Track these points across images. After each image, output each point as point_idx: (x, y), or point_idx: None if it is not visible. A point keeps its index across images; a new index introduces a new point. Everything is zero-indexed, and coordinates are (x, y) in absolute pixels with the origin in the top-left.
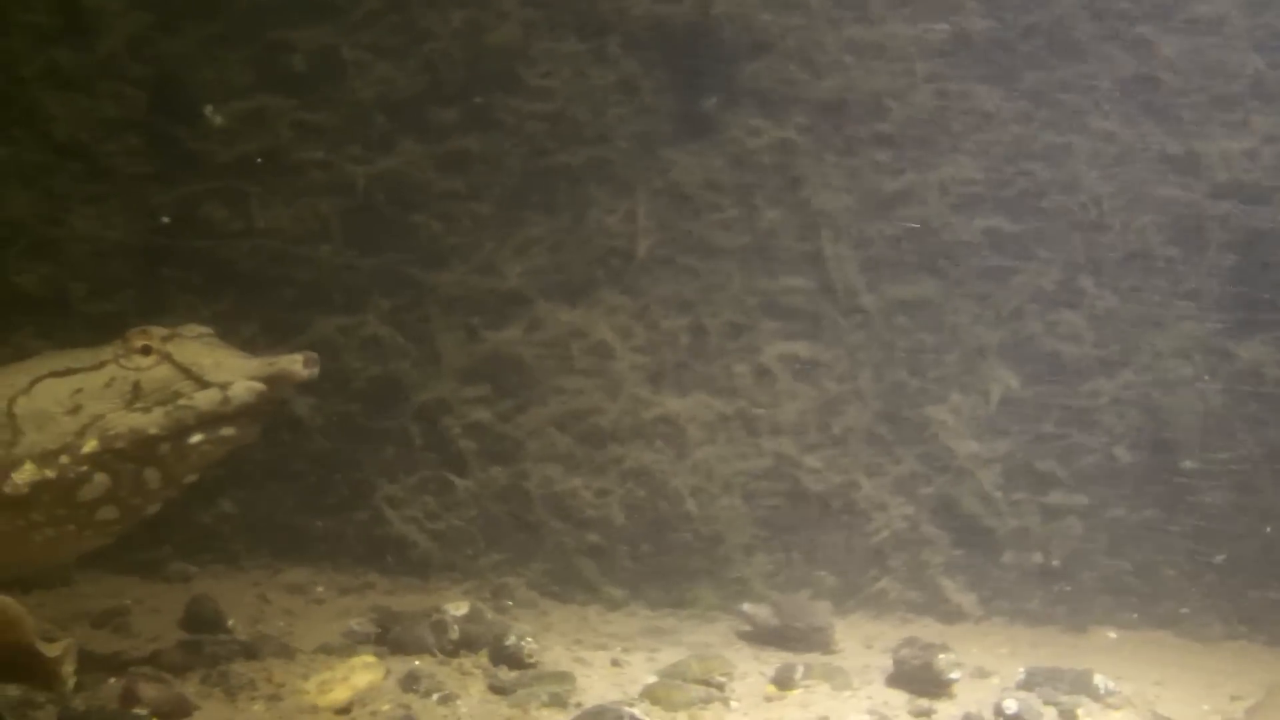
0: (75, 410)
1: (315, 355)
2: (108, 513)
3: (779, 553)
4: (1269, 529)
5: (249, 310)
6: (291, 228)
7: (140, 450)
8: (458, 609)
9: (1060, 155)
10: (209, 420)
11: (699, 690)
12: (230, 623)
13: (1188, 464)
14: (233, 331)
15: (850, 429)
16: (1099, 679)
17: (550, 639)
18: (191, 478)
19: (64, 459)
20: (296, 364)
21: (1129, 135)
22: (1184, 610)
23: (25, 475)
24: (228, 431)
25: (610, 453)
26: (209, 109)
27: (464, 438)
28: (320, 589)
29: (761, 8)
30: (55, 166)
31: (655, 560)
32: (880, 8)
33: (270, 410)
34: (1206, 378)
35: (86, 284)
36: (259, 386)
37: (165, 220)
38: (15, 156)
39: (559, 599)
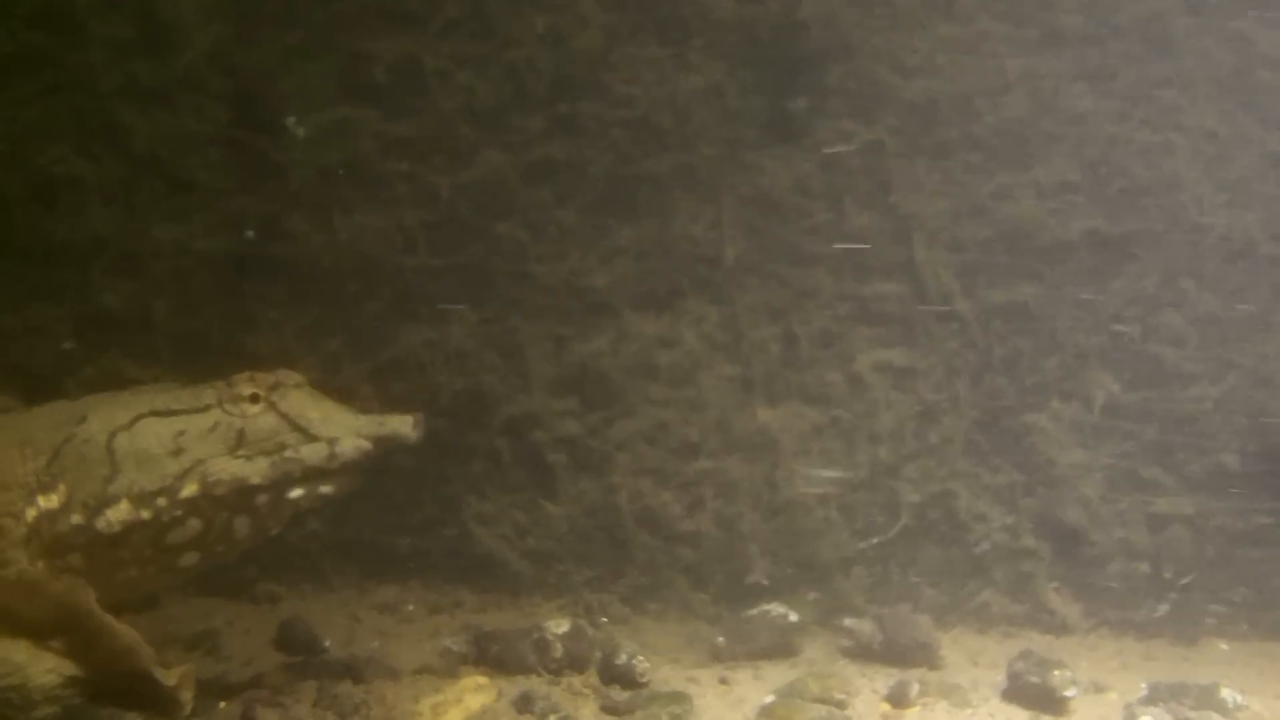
0: (177, 453)
1: (423, 416)
2: (189, 559)
3: (877, 566)
4: None
5: (333, 324)
6: (375, 240)
7: (239, 499)
8: (559, 626)
9: (1159, 154)
10: (312, 475)
11: (820, 710)
12: (327, 644)
13: None
14: (318, 346)
15: (947, 438)
16: (1226, 692)
17: (651, 656)
18: (276, 530)
19: (161, 501)
20: (407, 425)
21: (1228, 132)
22: None
23: (120, 514)
24: (327, 488)
25: (701, 465)
26: (291, 121)
27: (553, 451)
28: (410, 607)
29: (848, 8)
30: (136, 181)
31: (750, 574)
32: (970, 6)
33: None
34: None
35: (170, 300)
36: (366, 445)
37: (249, 234)
38: (96, 172)
39: (652, 615)
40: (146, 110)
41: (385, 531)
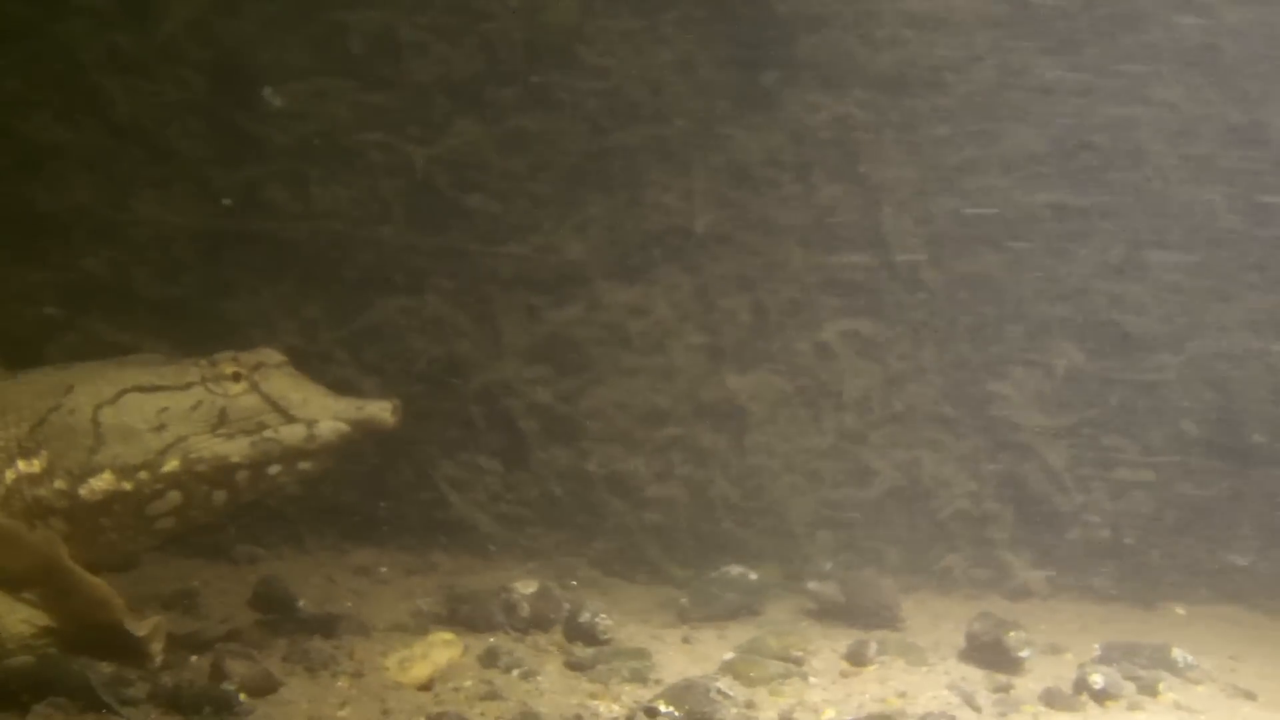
0: (160, 429)
1: (400, 403)
2: (166, 523)
3: (844, 531)
4: None
5: (311, 292)
6: (352, 210)
7: (219, 475)
8: (526, 587)
9: (1123, 127)
10: (290, 455)
11: (778, 665)
12: (301, 603)
13: (1257, 438)
14: (295, 313)
15: (913, 406)
16: (1177, 653)
17: (620, 617)
18: (253, 500)
19: (143, 474)
20: (385, 412)
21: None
22: (1254, 585)
23: (103, 483)
24: (304, 466)
25: (670, 432)
26: (268, 91)
27: (525, 418)
28: (385, 570)
29: None
30: (117, 151)
31: (717, 539)
32: None
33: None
34: (1275, 349)
35: (150, 268)
36: (344, 428)
37: (226, 203)
38: (77, 141)
39: (622, 577)
40: (127, 80)
41: (362, 496)
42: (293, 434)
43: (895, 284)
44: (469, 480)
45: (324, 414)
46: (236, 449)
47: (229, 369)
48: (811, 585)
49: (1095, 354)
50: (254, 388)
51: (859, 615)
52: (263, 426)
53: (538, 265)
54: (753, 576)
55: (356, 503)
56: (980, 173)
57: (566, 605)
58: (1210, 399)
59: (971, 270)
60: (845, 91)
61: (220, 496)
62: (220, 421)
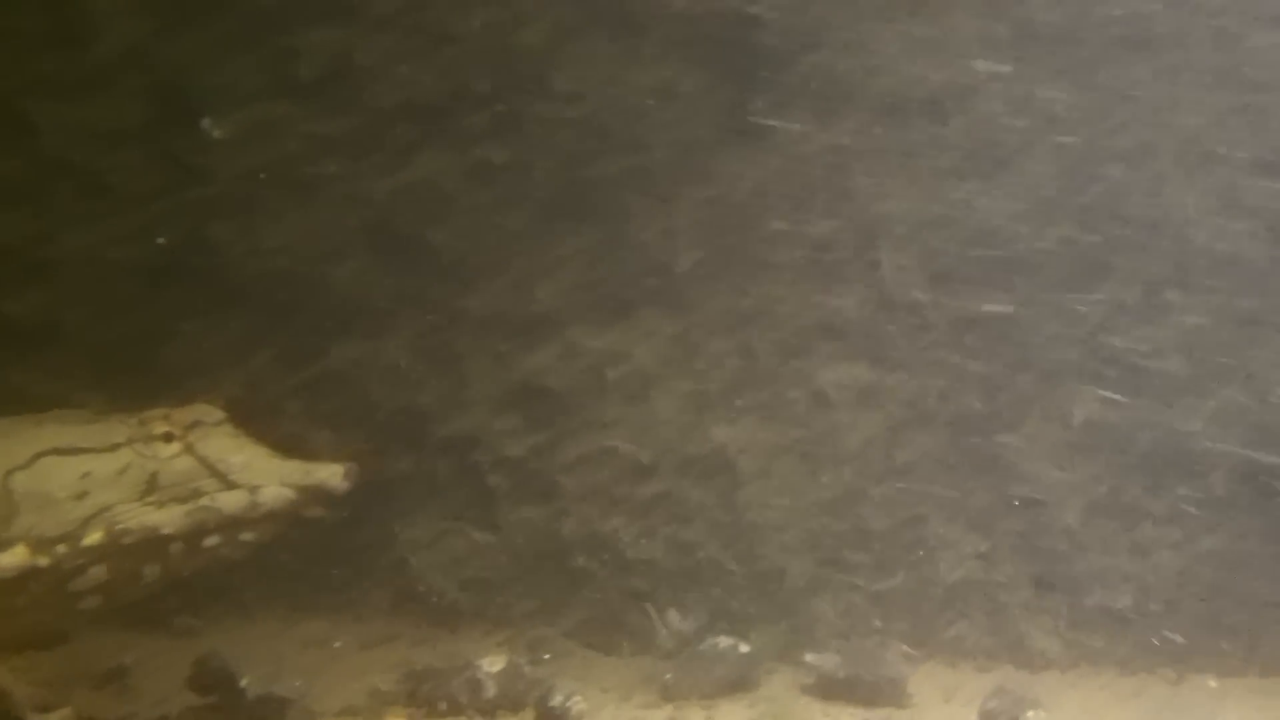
0: (82, 496)
1: (356, 466)
2: (92, 601)
3: (845, 597)
4: None
5: (259, 338)
6: (305, 247)
7: (149, 548)
8: (493, 664)
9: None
10: (230, 524)
11: None
12: (243, 682)
13: None
14: (242, 361)
15: (917, 458)
16: None
17: (597, 695)
18: (189, 572)
19: (61, 548)
20: (336, 477)
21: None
22: None
23: (16, 559)
24: (247, 537)
25: (654, 488)
26: (208, 122)
27: (494, 474)
28: (339, 643)
29: (808, 4)
30: (44, 183)
31: (706, 606)
32: (938, 0)
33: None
34: None
35: (80, 311)
36: (290, 495)
37: (162, 241)
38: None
39: (600, 650)
40: (55, 107)
41: (315, 561)
42: (232, 501)
43: (896, 326)
44: (433, 543)
45: (268, 478)
46: (169, 519)
47: (160, 428)
48: (810, 657)
49: (1114, 402)
50: (189, 449)
51: (862, 690)
52: (199, 493)
53: (508, 307)
54: (744, 648)
55: (309, 568)
56: (985, 206)
57: (538, 684)
58: (1240, 451)
59: (978, 311)
60: (839, 120)
61: (152, 571)
62: (150, 488)
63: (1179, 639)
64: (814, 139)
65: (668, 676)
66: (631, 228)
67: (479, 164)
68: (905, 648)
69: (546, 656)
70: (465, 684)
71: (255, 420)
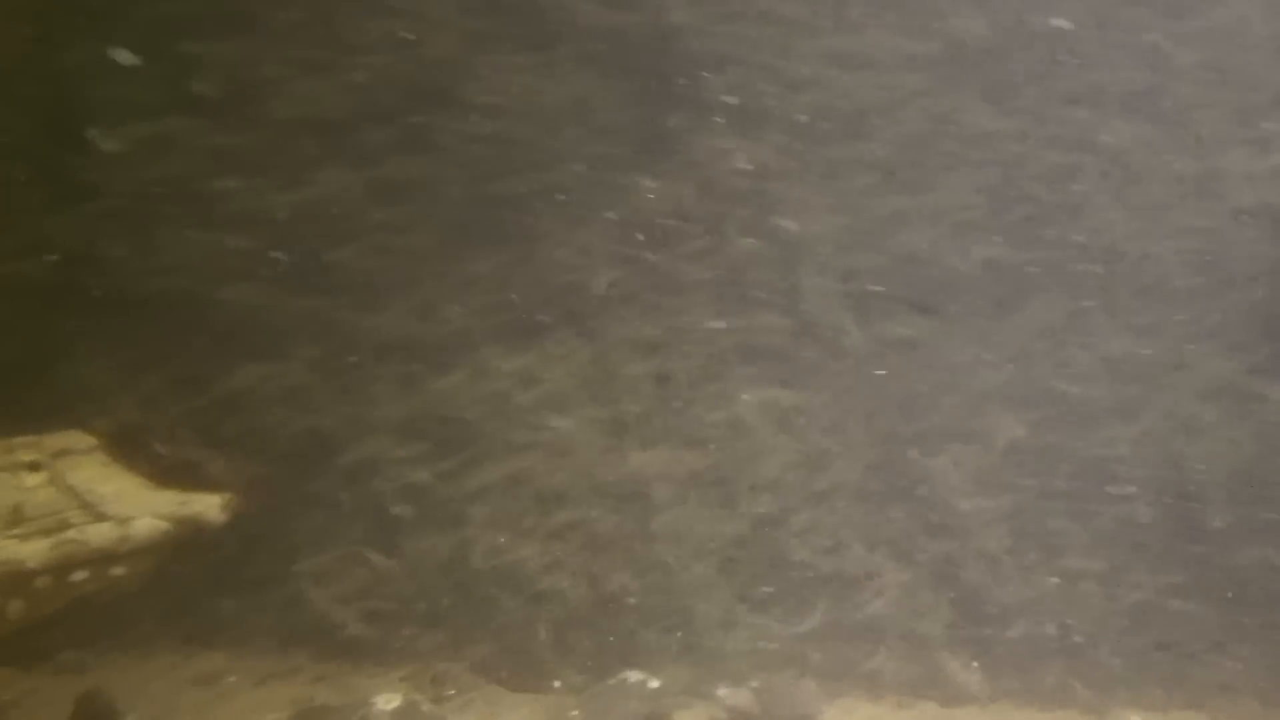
0: None
1: (236, 497)
2: None
3: (759, 629)
4: None
5: (154, 359)
6: (203, 266)
7: (12, 583)
8: (389, 702)
9: (1065, 177)
10: (99, 559)
11: None
12: None
13: (1217, 522)
14: (134, 383)
15: (837, 485)
16: None
17: None
18: (57, 608)
19: None
20: (215, 508)
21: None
22: (1218, 689)
23: None
24: (118, 571)
25: (565, 517)
26: (99, 132)
27: (398, 502)
28: (234, 678)
29: (727, 17)
30: None
31: (618, 638)
32: (862, 15)
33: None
34: (1236, 422)
35: None
36: (164, 527)
37: (51, 259)
38: None
39: (507, 685)
40: None
41: (210, 592)
42: (101, 534)
43: (816, 349)
44: (333, 573)
45: (141, 510)
46: (33, 552)
47: (26, 456)
48: (722, 692)
49: (1038, 427)
50: (56, 478)
51: None
52: (65, 525)
53: (415, 329)
54: (654, 683)
55: (202, 600)
56: (909, 226)
57: None
58: (1166, 477)
59: (900, 334)
60: (760, 136)
61: (16, 607)
62: (15, 519)
63: (1102, 672)
64: (733, 156)
65: (574, 713)
66: (544, 247)
67: (385, 181)
68: (821, 682)
69: (451, 693)
70: None
71: (144, 447)
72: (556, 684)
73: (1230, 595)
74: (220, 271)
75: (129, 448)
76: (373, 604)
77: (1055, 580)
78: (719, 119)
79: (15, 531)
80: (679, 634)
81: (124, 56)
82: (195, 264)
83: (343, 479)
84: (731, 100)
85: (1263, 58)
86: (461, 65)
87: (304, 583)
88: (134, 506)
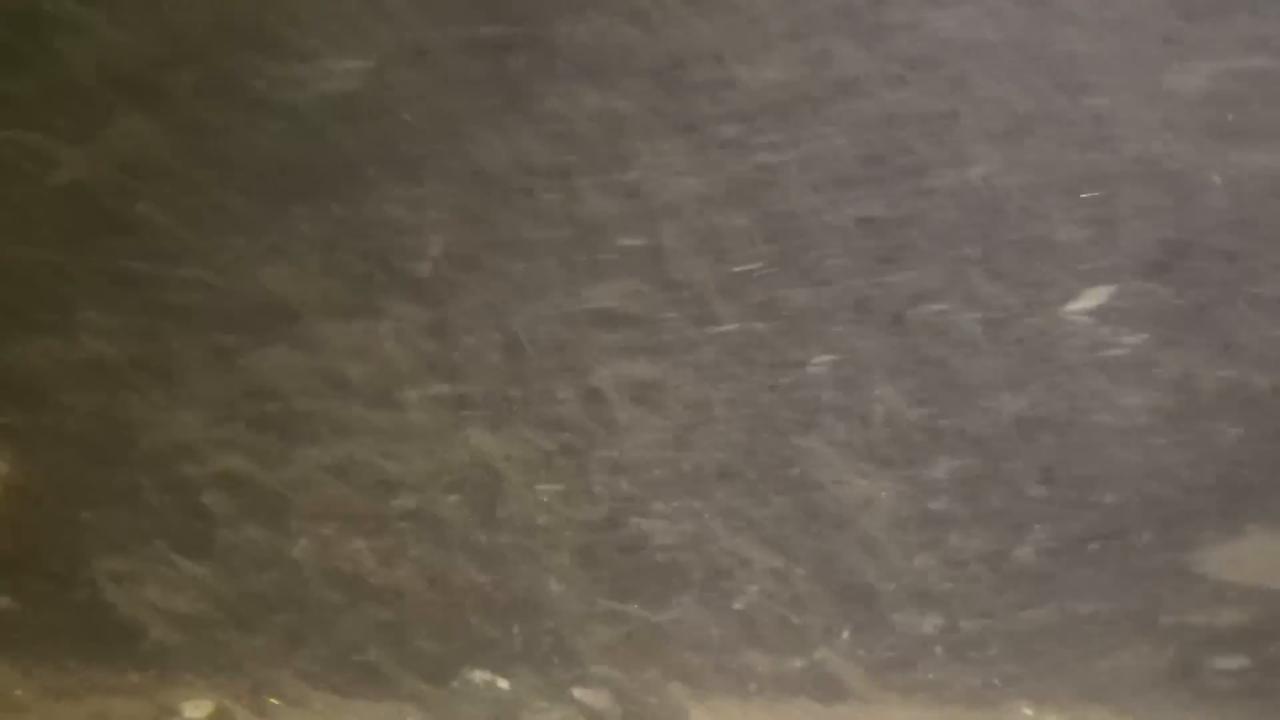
0: None
1: (17, 489)
2: None
3: (619, 623)
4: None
5: None
6: None
7: None
8: (197, 709)
9: (942, 126)
10: None
11: None
12: None
13: (1109, 497)
14: None
15: (703, 465)
16: None
17: None
18: None
19: None
20: None
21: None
22: (1117, 681)
23: None
24: None
25: (402, 504)
26: None
27: (211, 491)
28: (20, 692)
29: None
30: None
31: (462, 638)
32: None
33: None
34: (1126, 392)
35: None
36: None
37: None
38: None
39: (338, 692)
40: None
41: None
42: None
43: (679, 316)
44: (136, 573)
45: None
46: None
47: None
48: (579, 693)
49: (918, 399)
50: None
51: None
52: None
53: (229, 296)
54: (504, 684)
55: None
56: (777, 182)
57: None
58: (1054, 451)
59: (770, 298)
60: (614, 83)
61: None
62: None
63: (991, 663)
64: (584, 105)
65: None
66: (375, 205)
67: (193, 128)
68: (687, 681)
69: (275, 702)
70: None
71: None
72: (394, 689)
73: (1127, 579)
74: (2, 229)
75: None
76: (182, 606)
77: (940, 564)
78: (569, 65)
79: None
80: (531, 631)
81: None
82: None
83: (145, 466)
84: (583, 45)
85: (1152, 3)
86: (278, 5)
87: (101, 583)
88: None
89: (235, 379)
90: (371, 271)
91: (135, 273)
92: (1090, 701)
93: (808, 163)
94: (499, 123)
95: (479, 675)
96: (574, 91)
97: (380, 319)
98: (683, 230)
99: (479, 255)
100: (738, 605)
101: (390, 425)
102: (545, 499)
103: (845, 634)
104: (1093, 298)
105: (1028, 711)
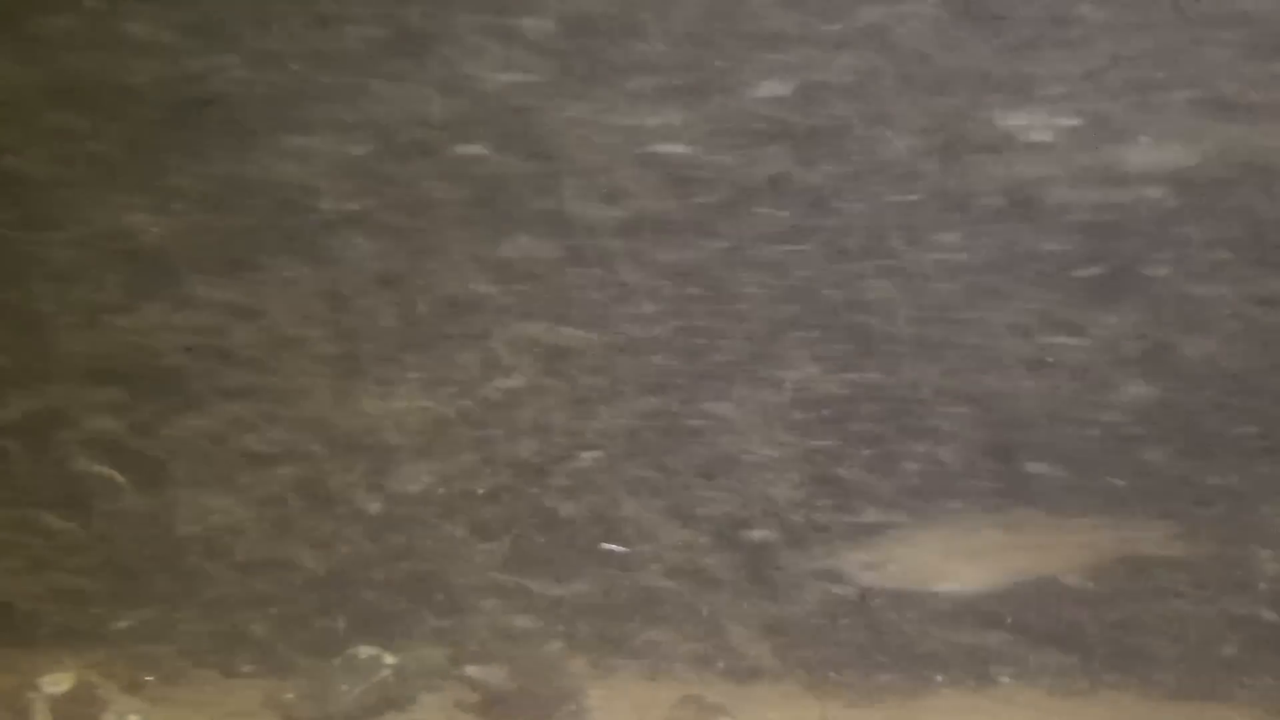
0: None
1: None
2: None
3: (517, 596)
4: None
5: None
6: None
7: None
8: (57, 684)
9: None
10: None
11: None
12: None
13: (1032, 466)
14: None
15: (607, 433)
16: None
17: None
18: None
19: None
20: None
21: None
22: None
23: None
24: None
25: (288, 472)
26: None
27: (84, 457)
28: None
29: None
30: None
31: (350, 612)
32: None
33: None
34: (1051, 360)
35: None
36: None
37: None
38: None
39: (219, 669)
40: None
41: None
42: None
43: (581, 277)
44: (4, 543)
45: None
46: None
47: None
48: (472, 670)
49: (833, 365)
50: None
51: (533, 707)
52: None
53: (103, 251)
54: (390, 659)
55: None
56: (684, 137)
57: (115, 709)
58: (975, 419)
59: (677, 260)
60: (515, 35)
61: None
62: None
63: (909, 640)
64: (484, 55)
65: (289, 696)
66: (260, 156)
67: (64, 73)
68: (588, 657)
69: (149, 678)
70: (17, 711)
71: None
72: (275, 664)
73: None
74: None
75: None
76: (53, 578)
77: (853, 538)
78: (469, 15)
79: None
80: (422, 605)
81: None
82: None
83: (14, 430)
84: None
85: None
86: None
87: None
88: None
89: (110, 340)
90: (255, 227)
91: (5, 226)
92: (1006, 677)
93: (716, 116)
94: (395, 73)
95: (365, 650)
96: (473, 41)
97: (267, 278)
98: (585, 190)
99: (371, 212)
100: (642, 578)
101: (276, 390)
102: (439, 467)
103: (754, 609)
104: (1015, 264)
105: (947, 691)
